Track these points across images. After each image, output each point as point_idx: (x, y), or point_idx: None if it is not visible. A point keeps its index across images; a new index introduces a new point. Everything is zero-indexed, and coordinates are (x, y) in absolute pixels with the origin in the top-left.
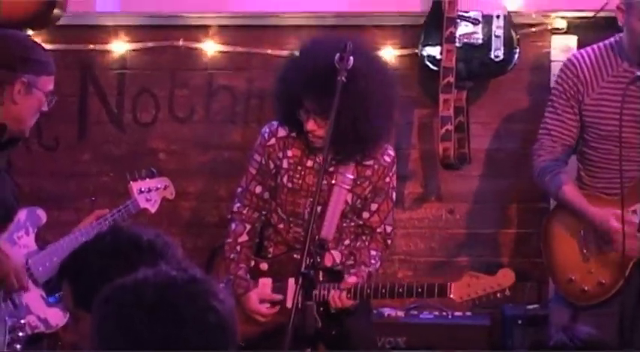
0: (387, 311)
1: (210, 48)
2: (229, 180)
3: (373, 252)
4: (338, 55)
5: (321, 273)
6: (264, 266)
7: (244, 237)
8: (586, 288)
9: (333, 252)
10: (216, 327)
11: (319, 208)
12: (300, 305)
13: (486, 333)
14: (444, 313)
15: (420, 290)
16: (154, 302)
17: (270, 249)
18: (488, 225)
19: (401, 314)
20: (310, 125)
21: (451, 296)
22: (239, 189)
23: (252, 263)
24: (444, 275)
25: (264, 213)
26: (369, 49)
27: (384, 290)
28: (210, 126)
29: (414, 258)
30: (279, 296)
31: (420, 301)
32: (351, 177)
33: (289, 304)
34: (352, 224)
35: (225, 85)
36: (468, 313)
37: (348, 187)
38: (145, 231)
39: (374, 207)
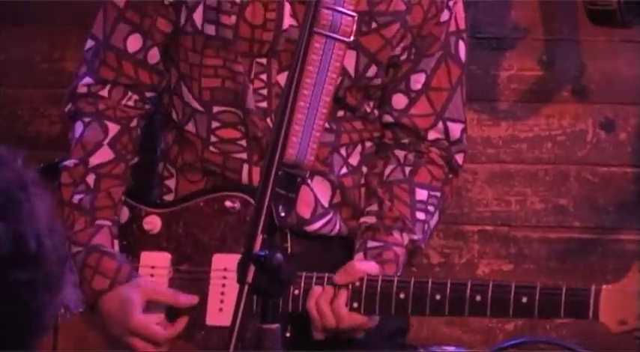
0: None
1: None
2: None
3: (422, 193)
4: None
5: (290, 242)
6: (152, 222)
7: (106, 153)
8: None
9: (316, 183)
10: None
11: (278, 78)
12: (248, 326)
13: None
14: None
15: (525, 299)
16: None
17: (169, 182)
18: None
19: None
20: None
21: (601, 320)
22: (88, 45)
23: (126, 215)
24: (585, 265)
25: (149, 97)
26: None
27: (439, 297)
28: None
29: (516, 219)
30: (189, 298)
31: (526, 323)
32: (353, 14)
33: (212, 319)
34: (361, 125)
35: None
36: None
37: (346, 37)
38: None
39: (418, 81)
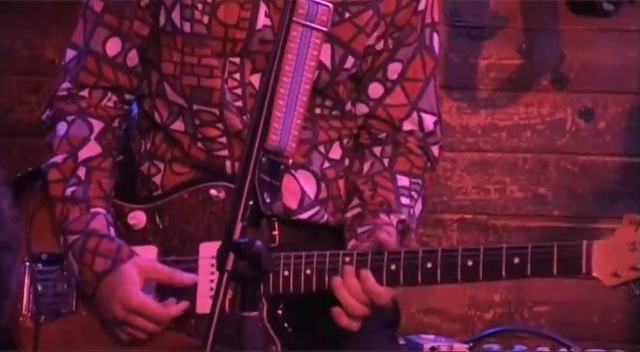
0: (428, 341)
1: None
2: None
3: (403, 179)
4: None
5: (278, 230)
6: (136, 218)
7: (94, 147)
8: None
9: (300, 176)
10: None
11: (252, 78)
12: (229, 312)
13: None
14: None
15: (517, 260)
16: None
17: (155, 179)
18: None
19: (461, 349)
20: None
21: (594, 274)
22: (68, 55)
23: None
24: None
25: (127, 100)
26: None
27: (430, 265)
28: None
29: (495, 207)
30: (189, 278)
31: (504, 312)
32: (328, 4)
33: (203, 307)
34: (339, 123)
35: None
36: None
37: (323, 26)
38: None
39: (395, 71)
